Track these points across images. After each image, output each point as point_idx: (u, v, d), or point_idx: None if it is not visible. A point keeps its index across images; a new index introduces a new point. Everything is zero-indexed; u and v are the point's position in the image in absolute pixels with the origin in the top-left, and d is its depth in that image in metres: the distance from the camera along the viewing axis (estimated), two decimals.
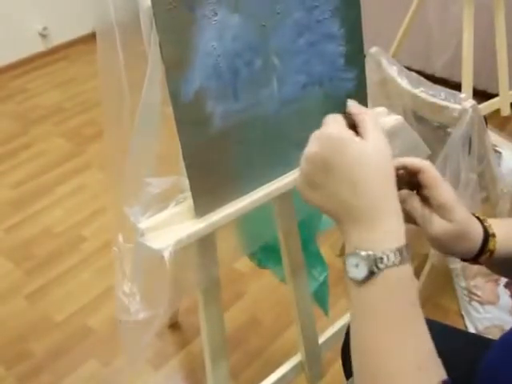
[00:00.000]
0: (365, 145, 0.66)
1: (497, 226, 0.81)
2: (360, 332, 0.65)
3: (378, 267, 0.61)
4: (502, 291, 1.90)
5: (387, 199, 0.64)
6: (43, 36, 4.40)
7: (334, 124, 0.69)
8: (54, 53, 4.47)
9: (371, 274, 0.62)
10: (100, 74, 1.17)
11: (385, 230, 0.63)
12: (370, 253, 0.62)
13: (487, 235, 0.79)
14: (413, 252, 0.78)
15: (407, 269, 0.63)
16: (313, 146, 0.68)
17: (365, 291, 0.63)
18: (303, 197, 0.72)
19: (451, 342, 0.95)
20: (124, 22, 1.07)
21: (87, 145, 3.23)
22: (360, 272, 0.62)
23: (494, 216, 1.71)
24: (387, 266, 0.61)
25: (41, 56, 4.42)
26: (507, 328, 1.69)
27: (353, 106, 0.74)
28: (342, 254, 2.27)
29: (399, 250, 0.62)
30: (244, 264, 2.02)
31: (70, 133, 3.41)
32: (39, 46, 4.42)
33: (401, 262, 0.61)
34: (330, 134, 0.67)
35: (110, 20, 1.07)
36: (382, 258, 0.61)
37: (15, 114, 3.70)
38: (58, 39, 4.49)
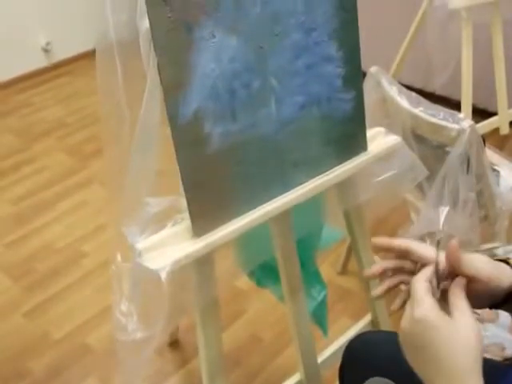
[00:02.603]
0: (453, 329, 0.70)
1: None
2: None
3: None
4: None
5: (465, 379, 0.68)
6: (46, 51, 4.42)
7: (426, 306, 0.73)
8: (57, 68, 4.49)
9: None
10: (99, 93, 1.17)
11: None
12: None
13: None
14: None
15: None
16: (406, 323, 0.74)
17: None
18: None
19: None
20: (123, 41, 1.08)
21: (89, 160, 3.24)
22: None
23: (493, 234, 1.71)
24: None
25: (44, 71, 4.44)
26: (506, 346, 1.69)
27: (456, 285, 0.77)
28: (343, 271, 2.27)
29: None
30: (244, 281, 2.02)
31: (72, 148, 3.42)
32: (43, 61, 4.44)
33: None
34: (421, 318, 0.72)
35: (110, 39, 1.08)
36: None
37: (18, 128, 3.71)
38: (61, 54, 4.52)
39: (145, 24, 0.93)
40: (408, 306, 0.75)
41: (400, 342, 0.76)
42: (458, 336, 0.69)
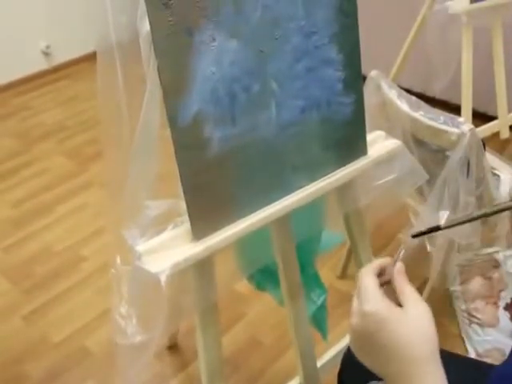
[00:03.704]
0: (405, 319, 0.70)
1: None
2: None
3: None
4: (502, 314, 1.90)
5: (426, 366, 0.68)
6: (46, 54, 4.43)
7: (374, 299, 0.72)
8: (57, 71, 4.50)
9: None
10: (99, 95, 1.17)
11: None
12: None
13: None
14: (413, 274, 0.79)
15: None
16: (356, 318, 0.73)
17: None
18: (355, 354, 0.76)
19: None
20: (124, 44, 1.08)
21: (89, 163, 3.23)
22: None
23: (493, 239, 1.72)
24: None
25: (44, 74, 4.44)
26: (507, 351, 1.69)
27: (398, 273, 0.77)
28: (343, 275, 2.26)
29: None
30: (244, 285, 2.01)
31: (71, 151, 3.41)
32: (42, 64, 4.45)
33: None
34: (371, 312, 0.71)
35: (111, 42, 1.08)
36: None
37: (17, 131, 3.71)
38: (61, 57, 4.52)
39: (145, 27, 0.93)
40: (355, 301, 0.75)
41: (350, 338, 0.75)
42: (411, 326, 0.69)
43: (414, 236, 0.87)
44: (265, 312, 2.13)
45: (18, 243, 2.64)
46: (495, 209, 0.84)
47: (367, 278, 0.75)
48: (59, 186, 3.08)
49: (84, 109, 3.88)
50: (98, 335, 2.08)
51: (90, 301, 2.26)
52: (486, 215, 0.84)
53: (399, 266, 0.78)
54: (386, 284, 0.78)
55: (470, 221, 0.87)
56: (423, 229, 0.87)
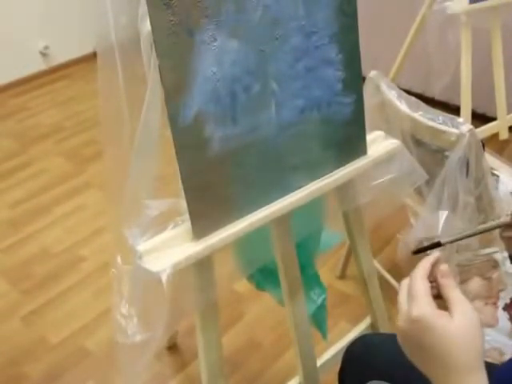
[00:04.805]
0: (451, 325, 0.70)
1: None
2: None
3: None
4: (501, 314, 1.90)
5: (470, 375, 0.68)
6: (44, 55, 4.42)
7: (423, 305, 0.72)
8: (55, 71, 4.49)
9: None
10: (100, 95, 1.17)
11: None
12: None
13: None
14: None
15: None
16: (403, 322, 0.73)
17: None
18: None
19: None
20: (124, 43, 1.08)
21: (87, 164, 3.23)
22: None
23: (492, 239, 1.72)
24: None
25: (42, 75, 4.44)
26: (506, 351, 1.69)
27: (443, 277, 0.77)
28: (343, 276, 2.27)
29: None
30: (243, 285, 2.02)
31: (69, 152, 3.41)
32: (40, 65, 4.44)
33: None
34: (418, 318, 0.71)
35: (111, 41, 1.08)
36: None
37: (15, 132, 3.70)
38: (59, 58, 4.52)
39: (146, 27, 0.93)
40: (403, 303, 0.75)
41: (398, 340, 0.75)
42: (456, 334, 0.69)
43: (415, 253, 0.88)
44: (264, 312, 2.14)
45: (16, 244, 2.64)
46: (492, 225, 0.85)
47: (419, 282, 0.75)
48: (57, 186, 3.08)
49: (82, 110, 3.88)
50: (97, 335, 2.08)
51: (89, 301, 2.26)
52: (483, 231, 0.85)
53: (443, 268, 0.78)
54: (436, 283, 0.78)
55: (469, 236, 0.88)
56: (424, 245, 0.88)
